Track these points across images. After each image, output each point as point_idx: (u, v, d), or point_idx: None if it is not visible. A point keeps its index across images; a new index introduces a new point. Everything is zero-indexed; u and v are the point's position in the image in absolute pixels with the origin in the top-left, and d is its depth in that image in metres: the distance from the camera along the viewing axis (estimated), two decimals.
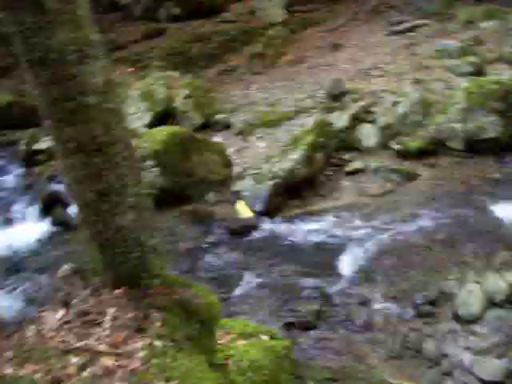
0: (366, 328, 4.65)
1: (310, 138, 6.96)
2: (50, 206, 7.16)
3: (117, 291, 2.58)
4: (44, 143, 8.24)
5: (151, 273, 2.59)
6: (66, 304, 2.60)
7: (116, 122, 2.34)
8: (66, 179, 2.41)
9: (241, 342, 3.27)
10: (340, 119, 7.53)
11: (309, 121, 7.57)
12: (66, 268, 2.69)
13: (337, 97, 8.06)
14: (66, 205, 7.18)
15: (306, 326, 4.70)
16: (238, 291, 5.25)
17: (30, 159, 8.13)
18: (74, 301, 2.59)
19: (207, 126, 8.37)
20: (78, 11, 2.26)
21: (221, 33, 11.07)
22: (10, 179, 7.86)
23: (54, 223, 6.97)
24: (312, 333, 4.67)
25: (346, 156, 7.28)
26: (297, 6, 11.76)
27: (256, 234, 6.18)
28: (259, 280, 5.36)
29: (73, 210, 7.10)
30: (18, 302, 5.46)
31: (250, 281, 5.36)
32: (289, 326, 4.71)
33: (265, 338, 3.45)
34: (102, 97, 2.29)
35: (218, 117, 8.50)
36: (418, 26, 9.72)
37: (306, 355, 4.34)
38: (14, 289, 5.73)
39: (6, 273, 6.08)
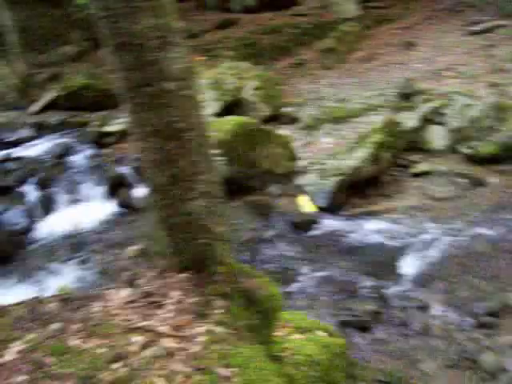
0: (423, 333, 4.55)
1: (377, 137, 6.87)
2: (116, 187, 7.37)
3: (181, 275, 2.63)
4: (114, 126, 8.48)
5: (216, 260, 2.62)
6: (131, 284, 2.67)
7: (192, 109, 2.38)
8: (141, 162, 2.47)
9: (297, 336, 3.28)
10: (409, 119, 7.40)
11: (377, 119, 7.46)
12: (133, 248, 2.75)
13: (407, 96, 7.92)
14: (131, 187, 7.39)
15: (362, 326, 4.65)
16: (295, 285, 5.25)
17: (100, 141, 8.37)
18: (140, 281, 2.66)
19: (274, 118, 8.39)
20: None
21: (293, 26, 11.06)
22: (80, 159, 8.10)
23: (119, 204, 7.17)
24: (367, 333, 4.62)
25: (413, 157, 7.16)
26: (372, 1, 11.61)
27: (317, 230, 6.17)
28: (318, 276, 5.35)
29: (137, 192, 7.29)
30: (84, 277, 5.65)
31: (308, 276, 5.36)
32: (344, 324, 4.67)
33: (321, 334, 3.45)
34: (181, 83, 2.33)
35: (286, 110, 8.52)
36: (497, 27, 9.39)
37: (360, 355, 4.30)
38: (80, 264, 5.93)
39: (72, 249, 6.29)
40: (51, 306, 2.58)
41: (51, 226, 6.95)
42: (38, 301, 2.62)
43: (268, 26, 11.14)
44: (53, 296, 2.70)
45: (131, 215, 6.89)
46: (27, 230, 6.90)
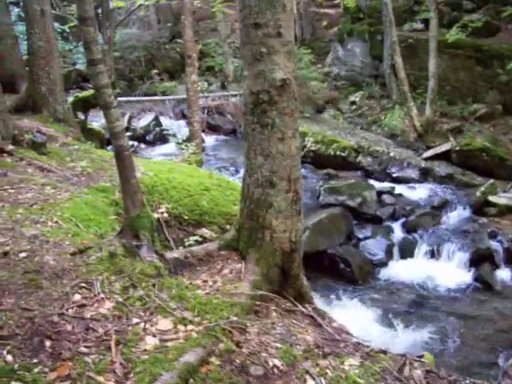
0: None
1: None
2: (480, 260, 6.97)
3: None
4: (500, 198, 8.05)
5: None
6: None
7: None
8: None
9: None
10: None
11: None
12: None
13: None
14: (496, 265, 6.90)
15: None
16: None
17: (480, 208, 8.06)
18: None
19: None
20: None
21: None
22: (454, 218, 7.96)
23: (476, 278, 6.76)
24: None
25: None
26: None
27: None
28: None
29: (502, 273, 6.77)
30: (429, 344, 5.43)
31: None
32: None
33: None
34: None
35: None
36: None
37: None
38: (423, 328, 5.73)
39: (415, 304, 6.19)
40: (417, 373, 2.50)
41: (402, 271, 6.98)
42: (405, 361, 2.56)
43: None
44: (419, 362, 2.61)
45: (486, 295, 6.45)
46: (381, 263, 7.07)
